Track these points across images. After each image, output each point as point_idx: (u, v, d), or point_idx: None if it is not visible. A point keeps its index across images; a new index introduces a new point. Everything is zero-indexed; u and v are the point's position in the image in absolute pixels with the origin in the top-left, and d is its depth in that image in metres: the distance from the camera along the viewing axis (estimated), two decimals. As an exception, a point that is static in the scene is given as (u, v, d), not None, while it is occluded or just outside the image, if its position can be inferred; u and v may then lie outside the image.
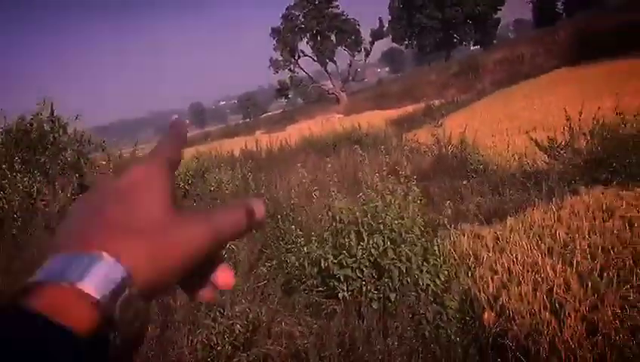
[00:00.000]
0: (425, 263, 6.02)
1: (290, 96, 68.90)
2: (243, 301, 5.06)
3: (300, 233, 6.58)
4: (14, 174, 7.41)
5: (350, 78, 62.47)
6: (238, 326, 4.60)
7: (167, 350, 4.41)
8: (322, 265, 6.02)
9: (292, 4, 61.53)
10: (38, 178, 7.70)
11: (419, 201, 6.66)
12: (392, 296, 5.78)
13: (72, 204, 0.55)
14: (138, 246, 0.47)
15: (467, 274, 6.17)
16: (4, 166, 7.53)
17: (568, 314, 4.87)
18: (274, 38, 61.02)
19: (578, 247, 6.02)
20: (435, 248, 6.30)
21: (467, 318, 5.53)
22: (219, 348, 4.39)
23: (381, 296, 5.81)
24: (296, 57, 61.16)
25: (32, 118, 9.00)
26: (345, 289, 5.89)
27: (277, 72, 61.57)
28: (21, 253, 5.85)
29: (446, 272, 6.08)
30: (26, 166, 7.93)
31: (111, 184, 0.52)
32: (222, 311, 4.82)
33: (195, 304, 4.80)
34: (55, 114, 9.25)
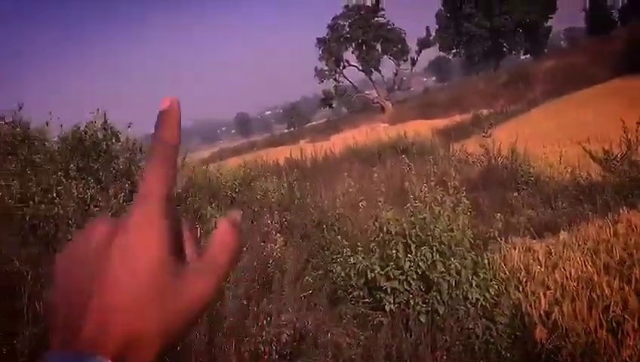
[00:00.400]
0: (474, 277, 5.89)
1: (334, 105, 68.95)
2: (290, 310, 5.05)
3: (346, 243, 6.54)
4: (69, 181, 7.65)
5: (396, 87, 62.08)
6: (285, 335, 4.60)
7: (216, 358, 4.44)
8: (369, 276, 5.96)
9: (338, 14, 61.80)
10: (92, 185, 7.92)
11: (468, 213, 6.54)
12: (441, 310, 5.67)
13: (56, 263, 0.50)
14: (147, 324, 0.45)
15: (518, 288, 6.01)
16: (60, 173, 7.78)
17: (627, 333, 4.67)
18: (319, 48, 61.33)
19: (636, 264, 5.77)
20: (485, 261, 6.16)
21: (518, 334, 5.39)
22: (266, 357, 4.40)
23: (429, 309, 5.72)
24: (341, 67, 61.28)
25: (86, 127, 9.29)
26: (392, 301, 5.82)
27: (322, 82, 61.78)
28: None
29: (496, 286, 5.93)
30: (81, 173, 8.16)
31: (105, 240, 0.48)
32: (269, 319, 4.83)
33: (243, 312, 4.83)
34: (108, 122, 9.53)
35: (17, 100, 9.69)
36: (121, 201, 7.72)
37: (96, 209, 7.38)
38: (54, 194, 7.33)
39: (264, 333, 4.58)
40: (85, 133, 9.07)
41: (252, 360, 4.41)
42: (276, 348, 4.49)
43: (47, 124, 9.60)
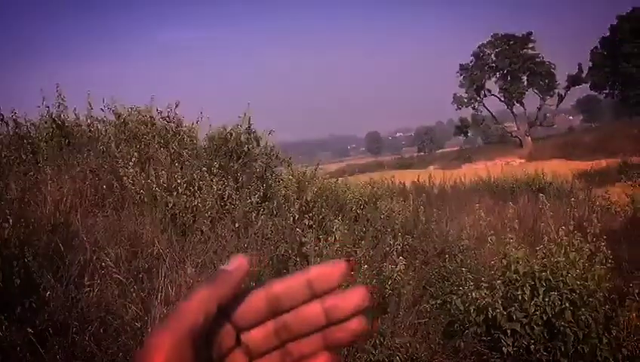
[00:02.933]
0: (606, 333, 5.46)
1: (469, 134, 67.41)
2: (404, 334, 5.01)
3: (470, 276, 6.35)
4: (211, 177, 8.23)
5: (538, 122, 59.12)
6: (398, 358, 4.56)
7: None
8: (489, 314, 5.75)
9: (485, 42, 60.35)
10: (230, 183, 8.43)
11: (607, 264, 6.07)
12: (563, 362, 5.33)
13: None
14: None
15: (657, 355, 5.46)
16: (203, 168, 8.39)
17: None
18: (461, 75, 60.24)
19: None
20: (620, 319, 5.68)
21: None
22: (376, 377, 4.39)
23: (550, 359, 5.39)
24: (481, 96, 59.71)
25: (231, 129, 9.92)
26: (510, 344, 5.56)
27: (459, 109, 60.67)
28: (209, 248, 6.44)
29: (630, 348, 5.45)
30: (221, 171, 8.73)
31: None
32: (382, 340, 4.82)
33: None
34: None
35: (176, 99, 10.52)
36: (254, 203, 8.15)
37: (232, 206, 7.86)
38: (196, 188, 7.92)
39: (376, 352, 4.57)
40: (230, 135, 9.71)
41: (361, 377, 4.43)
42: (387, 369, 4.48)
43: (197, 123, 10.38)
